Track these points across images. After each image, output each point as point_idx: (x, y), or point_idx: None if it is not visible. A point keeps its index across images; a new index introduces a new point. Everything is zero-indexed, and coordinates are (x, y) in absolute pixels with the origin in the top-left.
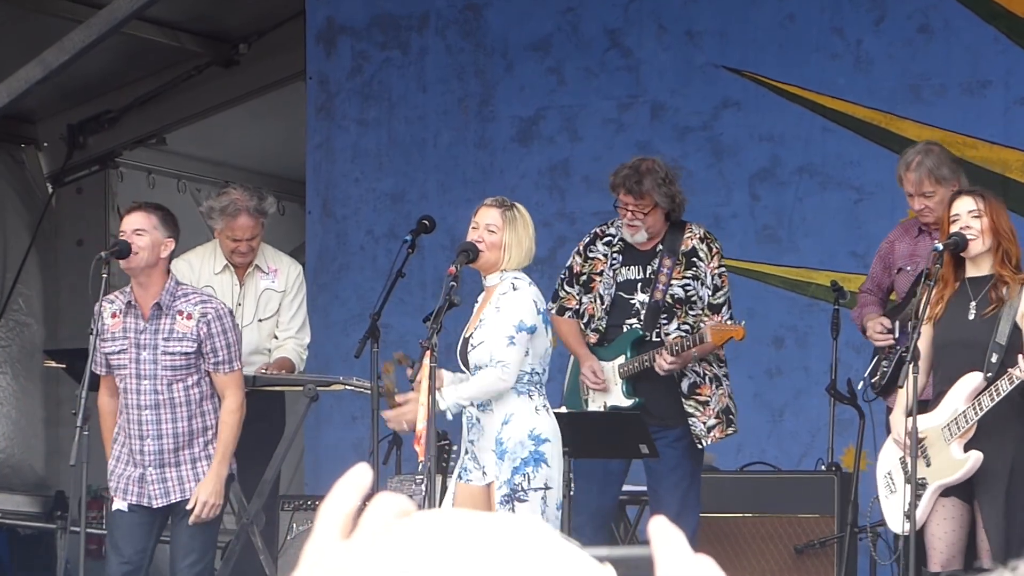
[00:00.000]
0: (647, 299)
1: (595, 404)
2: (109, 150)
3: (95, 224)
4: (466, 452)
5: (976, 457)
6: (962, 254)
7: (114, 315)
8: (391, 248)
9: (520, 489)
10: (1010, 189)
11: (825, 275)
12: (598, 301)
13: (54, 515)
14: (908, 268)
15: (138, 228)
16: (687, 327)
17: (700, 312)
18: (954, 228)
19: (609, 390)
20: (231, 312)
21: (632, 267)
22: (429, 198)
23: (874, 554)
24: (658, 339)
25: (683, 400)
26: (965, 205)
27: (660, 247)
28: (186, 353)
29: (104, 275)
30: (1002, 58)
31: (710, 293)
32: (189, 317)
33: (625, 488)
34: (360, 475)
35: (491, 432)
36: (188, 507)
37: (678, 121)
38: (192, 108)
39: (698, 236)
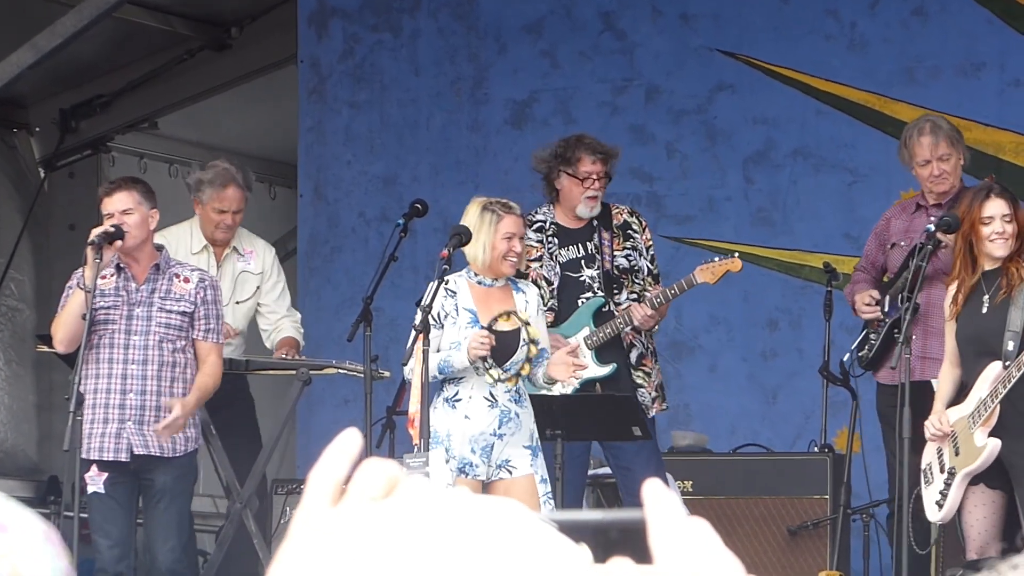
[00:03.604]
0: (596, 272)
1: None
2: (101, 134)
3: (87, 209)
4: (488, 448)
5: (994, 444)
6: (993, 253)
7: (103, 277)
8: (383, 231)
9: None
10: (1004, 171)
11: (819, 257)
12: (543, 283)
13: (47, 500)
14: (902, 243)
15: (126, 208)
16: (635, 296)
17: (643, 281)
18: (987, 230)
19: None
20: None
21: (570, 247)
22: (421, 181)
23: (866, 534)
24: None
25: (631, 371)
26: (999, 208)
27: (595, 223)
28: (182, 313)
29: (98, 260)
30: (996, 40)
31: (648, 263)
32: (187, 281)
33: (600, 472)
34: (349, 441)
35: (528, 428)
36: (165, 415)
37: (672, 104)
38: (184, 92)
39: (626, 211)
